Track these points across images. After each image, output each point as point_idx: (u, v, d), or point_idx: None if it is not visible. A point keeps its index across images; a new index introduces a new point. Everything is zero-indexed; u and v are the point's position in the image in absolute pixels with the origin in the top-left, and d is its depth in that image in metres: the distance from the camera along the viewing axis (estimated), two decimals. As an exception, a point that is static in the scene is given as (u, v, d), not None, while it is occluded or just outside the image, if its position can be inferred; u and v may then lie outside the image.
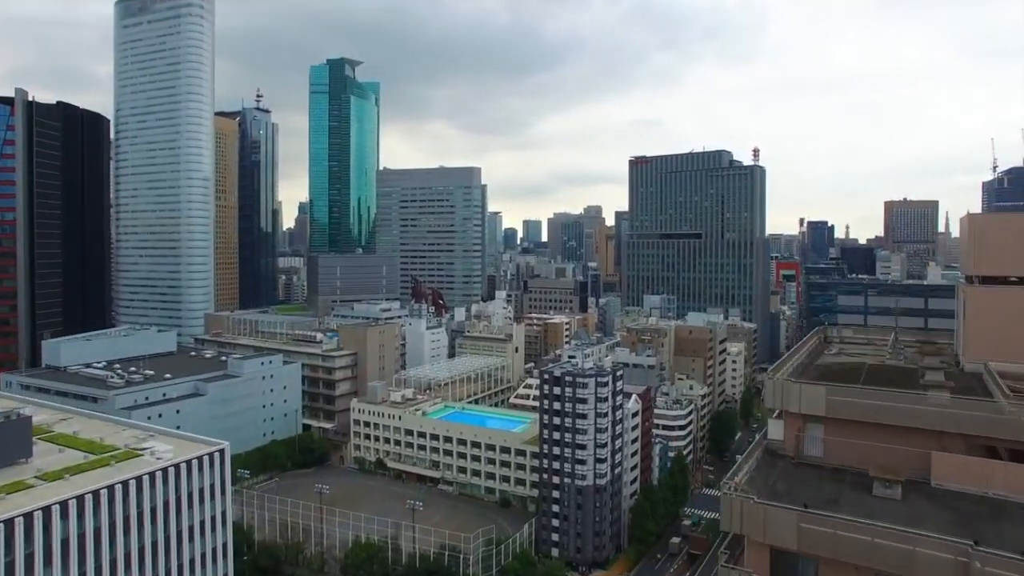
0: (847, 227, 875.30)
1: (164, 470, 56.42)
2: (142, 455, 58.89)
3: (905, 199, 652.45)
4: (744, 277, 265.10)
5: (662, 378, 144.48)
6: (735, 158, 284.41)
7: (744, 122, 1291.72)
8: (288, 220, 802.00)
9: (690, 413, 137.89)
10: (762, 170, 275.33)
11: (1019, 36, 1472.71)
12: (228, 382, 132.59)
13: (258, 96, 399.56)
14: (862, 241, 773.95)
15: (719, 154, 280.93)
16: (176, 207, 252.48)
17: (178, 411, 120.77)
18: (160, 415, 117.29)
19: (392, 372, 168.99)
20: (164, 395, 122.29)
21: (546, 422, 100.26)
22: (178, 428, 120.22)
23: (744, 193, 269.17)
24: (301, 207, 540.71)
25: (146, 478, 54.88)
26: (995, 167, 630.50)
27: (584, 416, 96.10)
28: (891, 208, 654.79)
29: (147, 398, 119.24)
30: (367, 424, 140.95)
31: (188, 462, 58.67)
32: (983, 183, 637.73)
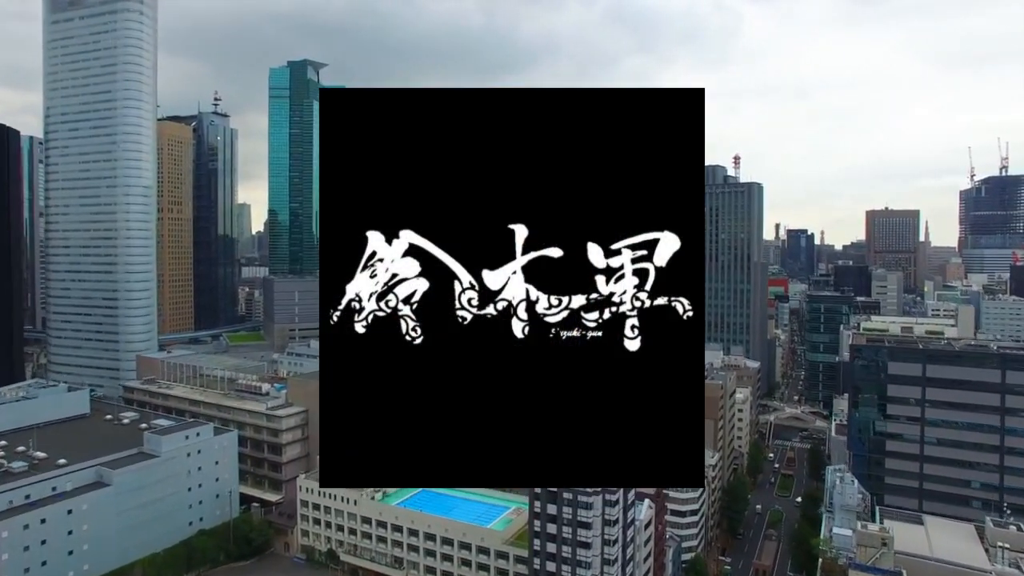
0: (822, 232, 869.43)
1: None
2: None
3: (887, 208, 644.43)
4: (740, 304, 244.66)
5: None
6: (729, 174, 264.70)
7: (719, 126, 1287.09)
8: (257, 223, 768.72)
9: (702, 493, 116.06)
10: (759, 187, 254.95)
11: (989, 44, 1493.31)
12: (143, 464, 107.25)
13: (216, 100, 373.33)
14: (838, 247, 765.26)
15: (713, 169, 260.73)
16: (113, 224, 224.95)
17: (70, 511, 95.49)
18: (43, 521, 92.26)
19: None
20: (54, 489, 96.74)
21: (538, 548, 77.35)
22: (70, 534, 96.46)
23: (740, 212, 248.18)
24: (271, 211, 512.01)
25: None
26: (972, 175, 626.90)
27: (588, 546, 73.51)
28: (872, 218, 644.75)
29: (27, 497, 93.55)
30: (317, 507, 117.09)
31: None
32: (960, 192, 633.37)
